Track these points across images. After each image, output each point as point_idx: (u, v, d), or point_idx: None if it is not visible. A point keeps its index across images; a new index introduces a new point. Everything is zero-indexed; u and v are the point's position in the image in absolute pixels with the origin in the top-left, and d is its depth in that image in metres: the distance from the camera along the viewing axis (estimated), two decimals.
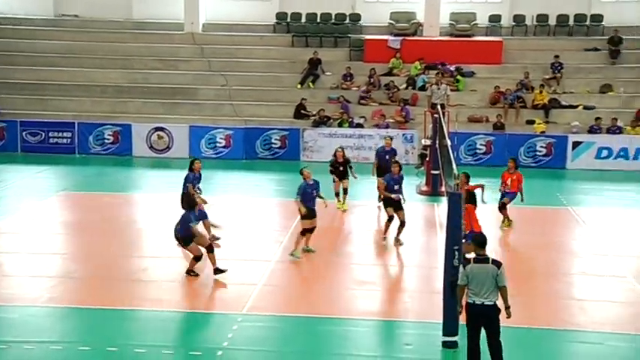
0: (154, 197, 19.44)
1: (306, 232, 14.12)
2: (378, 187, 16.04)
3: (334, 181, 17.77)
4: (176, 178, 17.94)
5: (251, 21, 30.36)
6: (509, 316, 9.05)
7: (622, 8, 28.91)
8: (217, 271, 12.86)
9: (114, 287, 12.57)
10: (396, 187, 15.07)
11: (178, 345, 10.49)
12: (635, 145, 23.89)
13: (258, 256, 14.38)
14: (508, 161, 16.95)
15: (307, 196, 14.06)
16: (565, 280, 13.52)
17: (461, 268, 9.21)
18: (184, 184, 15.22)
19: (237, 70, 28.18)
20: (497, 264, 8.98)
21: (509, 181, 16.41)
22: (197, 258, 12.90)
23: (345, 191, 17.85)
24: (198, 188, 15.24)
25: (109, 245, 14.94)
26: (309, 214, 14.04)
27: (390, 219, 15.02)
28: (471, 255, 9.36)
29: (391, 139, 19.16)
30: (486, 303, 8.91)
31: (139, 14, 30.89)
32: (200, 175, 15.48)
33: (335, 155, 18.02)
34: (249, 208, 18.32)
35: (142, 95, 27.40)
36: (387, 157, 17.78)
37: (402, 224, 14.96)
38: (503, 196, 16.43)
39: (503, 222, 16.32)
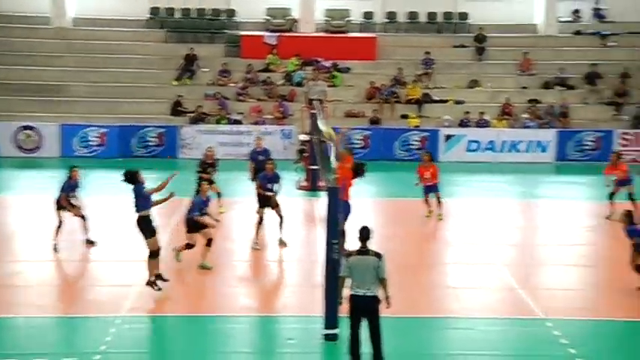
0: (23, 199, 18.62)
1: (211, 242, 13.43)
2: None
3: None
4: (47, 178, 17.31)
5: (123, 16, 29.56)
6: (389, 306, 9.26)
7: (486, 7, 30.23)
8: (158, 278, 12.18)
9: None
10: (270, 185, 14.75)
11: (52, 352, 10.07)
12: (501, 137, 25.07)
13: (136, 256, 14.03)
14: (423, 155, 17.35)
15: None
16: (441, 269, 14.01)
17: (343, 260, 9.30)
18: (60, 191, 14.59)
19: (110, 67, 27.41)
20: (378, 256, 9.12)
21: (427, 175, 16.70)
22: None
23: (219, 195, 17.17)
24: (73, 196, 14.62)
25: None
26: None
27: (260, 221, 14.69)
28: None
29: (261, 139, 18.28)
30: (367, 294, 9.05)
31: (3, 7, 29.41)
32: (77, 183, 14.82)
33: (205, 155, 17.24)
34: (126, 207, 17.82)
35: (7, 92, 26.11)
36: (261, 157, 17.18)
37: (281, 219, 14.85)
38: (429, 189, 16.73)
39: (430, 213, 16.87)
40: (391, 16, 30.25)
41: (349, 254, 9.28)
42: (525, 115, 26.19)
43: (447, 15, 30.37)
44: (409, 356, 10.09)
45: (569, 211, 18.04)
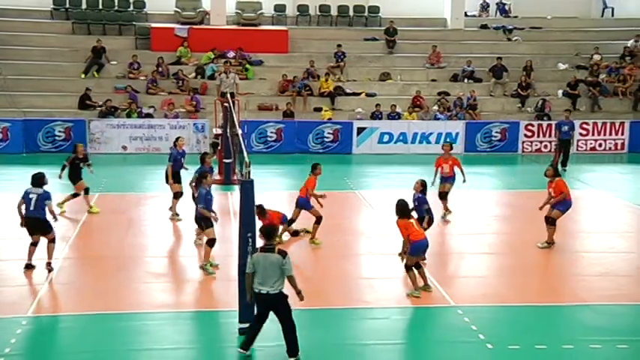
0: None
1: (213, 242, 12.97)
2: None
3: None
4: None
5: (26, 6, 28.55)
6: (301, 299, 9.33)
7: (396, 1, 30.69)
8: None
9: None
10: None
11: None
12: (412, 129, 25.51)
13: (44, 254, 13.61)
14: (444, 146, 16.87)
15: (210, 203, 12.97)
16: (355, 260, 14.14)
17: (248, 257, 9.34)
18: None
19: (13, 59, 26.44)
20: (283, 254, 9.14)
21: (446, 168, 16.32)
22: None
23: (87, 191, 16.60)
24: None
25: None
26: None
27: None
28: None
29: (177, 139, 17.20)
30: (271, 292, 9.10)
31: None
32: None
33: (76, 151, 16.62)
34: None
35: None
36: (182, 159, 16.68)
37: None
38: (444, 180, 16.38)
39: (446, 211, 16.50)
40: (302, 9, 30.31)
41: (256, 250, 9.31)
42: (435, 108, 26.74)
43: (358, 8, 30.67)
44: (325, 347, 10.14)
45: (477, 200, 18.53)
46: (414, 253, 11.89)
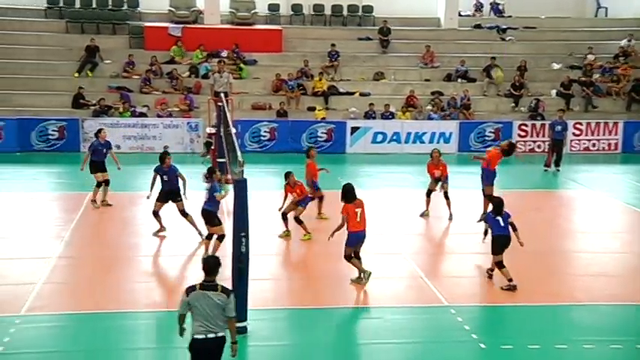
0: None
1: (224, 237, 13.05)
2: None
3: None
4: None
5: (20, 5, 28.47)
6: (235, 353, 8.00)
7: (390, 0, 30.70)
8: None
9: None
10: (165, 177, 14.75)
11: None
12: (406, 129, 25.53)
13: (38, 253, 13.61)
14: (433, 152, 16.89)
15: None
16: None
17: (182, 296, 7.95)
18: None
19: (6, 58, 26.34)
20: (227, 292, 7.86)
21: (437, 173, 16.50)
22: None
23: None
24: None
25: None
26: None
27: (156, 214, 14.73)
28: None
29: (100, 131, 17.61)
30: (209, 336, 7.73)
31: None
32: None
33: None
34: (27, 203, 17.27)
35: None
36: (105, 150, 17.06)
37: (184, 215, 14.79)
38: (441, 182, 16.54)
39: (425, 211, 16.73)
40: (296, 8, 30.30)
41: (192, 288, 7.90)
42: (429, 107, 26.78)
43: (352, 8, 30.68)
44: (319, 347, 10.16)
45: (470, 200, 18.56)
46: (350, 243, 12.06)
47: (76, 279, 12.70)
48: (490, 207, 13.16)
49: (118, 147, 23.63)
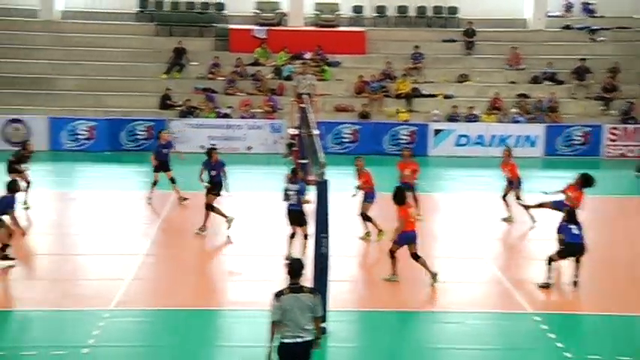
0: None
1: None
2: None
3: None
4: (34, 171, 17.25)
5: (111, 9, 29.44)
6: (317, 346, 8.00)
7: (476, 1, 30.24)
8: None
9: None
10: (213, 172, 15.21)
11: (40, 345, 10.05)
12: (490, 132, 25.12)
13: (127, 249, 14.05)
14: (403, 151, 16.92)
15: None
16: (430, 263, 13.99)
17: (272, 301, 7.81)
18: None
19: (99, 60, 27.25)
20: (314, 292, 7.97)
21: (407, 172, 16.35)
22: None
23: (29, 185, 16.88)
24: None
25: None
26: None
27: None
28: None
29: (167, 132, 18.61)
30: (298, 341, 7.73)
31: None
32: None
33: (25, 148, 17.17)
34: (117, 201, 17.84)
35: None
36: (165, 151, 17.64)
37: (208, 209, 15.08)
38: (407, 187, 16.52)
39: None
40: (380, 10, 30.24)
41: (280, 293, 7.82)
42: (514, 110, 26.25)
43: (437, 9, 30.38)
44: (399, 350, 10.12)
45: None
46: (400, 242, 12.27)
47: (162, 276, 13.05)
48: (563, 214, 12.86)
49: (203, 147, 24.11)
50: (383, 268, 13.59)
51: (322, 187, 10.21)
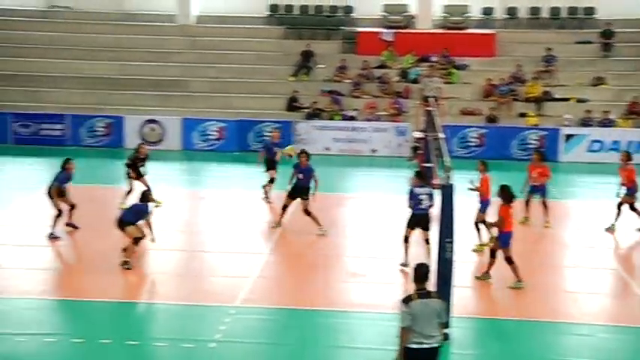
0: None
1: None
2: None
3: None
4: (168, 170, 18.01)
5: (243, 13, 30.29)
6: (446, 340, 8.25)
7: (615, 1, 28.92)
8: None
9: (104, 279, 12.54)
10: (301, 175, 15.24)
11: (171, 337, 10.48)
12: (627, 138, 23.96)
13: (252, 248, 14.40)
14: (534, 154, 16.74)
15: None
16: (558, 272, 13.57)
17: (401, 307, 7.78)
18: (52, 182, 14.89)
19: (230, 62, 28.11)
20: (441, 298, 8.03)
21: (534, 174, 16.13)
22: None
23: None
24: (64, 187, 14.90)
25: (101, 237, 14.90)
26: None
27: (285, 207, 15.40)
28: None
29: (278, 130, 19.53)
30: (424, 347, 7.70)
31: (131, 6, 30.77)
32: (71, 175, 14.99)
33: (138, 151, 17.30)
34: (243, 200, 18.32)
35: (133, 87, 27.29)
36: (276, 149, 18.01)
37: (307, 214, 15.21)
38: (534, 190, 16.14)
39: (526, 219, 16.23)
40: (512, 11, 29.52)
41: (409, 299, 7.79)
42: None
43: (572, 10, 29.31)
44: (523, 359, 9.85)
45: None
46: (506, 244, 12.01)
47: (286, 275, 13.28)
48: None
49: (328, 149, 24.43)
50: (505, 276, 13.25)
51: (447, 192, 10.10)
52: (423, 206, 12.99)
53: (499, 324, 11.10)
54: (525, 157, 23.73)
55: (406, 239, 13.17)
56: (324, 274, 13.12)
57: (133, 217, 13.11)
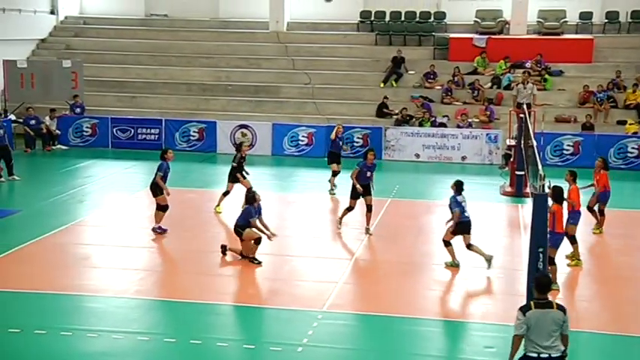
0: (236, 193, 19.71)
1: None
2: (352, 175, 15.52)
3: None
4: (258, 174, 18.26)
5: (335, 19, 30.52)
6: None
7: None
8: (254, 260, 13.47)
9: (198, 281, 12.84)
10: (369, 173, 15.36)
11: (259, 340, 10.62)
12: None
13: (340, 253, 14.45)
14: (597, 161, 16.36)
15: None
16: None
17: (518, 315, 7.76)
18: (156, 173, 15.26)
19: (321, 69, 28.34)
20: (563, 309, 7.79)
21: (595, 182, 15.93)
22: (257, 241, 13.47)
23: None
24: (162, 178, 15.24)
25: (194, 240, 15.27)
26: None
27: (350, 209, 15.47)
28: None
29: (342, 126, 20.37)
30: (542, 357, 7.63)
31: (225, 13, 31.49)
32: (168, 165, 15.38)
33: (241, 150, 17.53)
34: (332, 205, 18.40)
35: (227, 93, 27.88)
36: (341, 143, 19.48)
37: (369, 209, 15.39)
38: (598, 198, 15.85)
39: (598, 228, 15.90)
40: (611, 15, 28.59)
41: (527, 307, 7.77)
42: None
43: None
44: None
45: None
46: (556, 244, 11.90)
47: (373, 281, 13.24)
48: None
49: (417, 156, 24.25)
50: (585, 289, 12.82)
51: (540, 200, 9.86)
52: (467, 213, 13.31)
53: (591, 338, 10.74)
54: (624, 166, 22.97)
55: (448, 243, 13.42)
56: (410, 281, 13.03)
57: (244, 219, 13.59)
